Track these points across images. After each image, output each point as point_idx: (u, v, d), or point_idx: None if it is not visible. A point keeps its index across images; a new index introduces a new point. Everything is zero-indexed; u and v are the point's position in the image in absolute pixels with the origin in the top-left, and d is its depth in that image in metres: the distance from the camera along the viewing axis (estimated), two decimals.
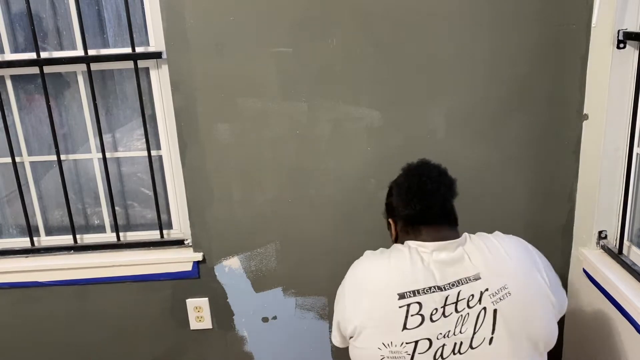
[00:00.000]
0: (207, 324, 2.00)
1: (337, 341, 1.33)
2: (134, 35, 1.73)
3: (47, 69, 1.78)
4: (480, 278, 1.16)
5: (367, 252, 1.32)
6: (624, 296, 1.51)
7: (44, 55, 1.77)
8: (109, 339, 2.02)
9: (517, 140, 1.77)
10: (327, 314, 1.97)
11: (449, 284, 1.15)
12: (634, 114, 1.55)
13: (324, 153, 1.79)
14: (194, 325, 2.01)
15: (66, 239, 1.99)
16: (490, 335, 1.12)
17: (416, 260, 1.19)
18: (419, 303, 1.13)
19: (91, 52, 1.77)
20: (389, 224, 1.38)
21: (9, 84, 1.84)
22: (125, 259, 1.92)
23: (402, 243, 1.27)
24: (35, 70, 1.77)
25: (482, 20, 1.65)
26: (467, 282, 1.15)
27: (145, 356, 2.05)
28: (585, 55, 1.67)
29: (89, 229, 2.03)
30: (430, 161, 1.32)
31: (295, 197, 1.84)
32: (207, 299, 1.97)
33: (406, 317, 1.13)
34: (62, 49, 1.82)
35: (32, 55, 1.76)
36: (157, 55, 1.75)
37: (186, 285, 1.96)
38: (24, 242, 1.98)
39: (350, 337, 1.22)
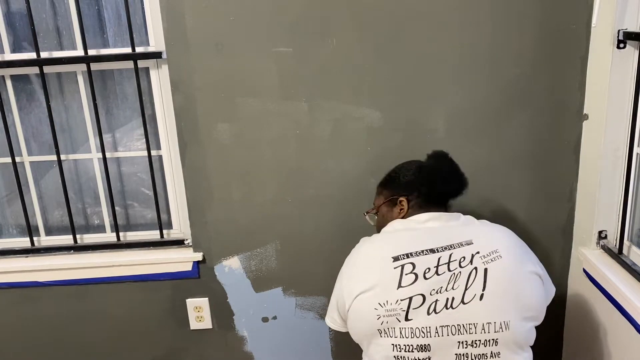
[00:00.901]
0: (207, 324, 2.00)
1: (333, 321, 1.39)
2: (134, 35, 1.73)
3: (47, 69, 1.78)
4: (472, 243, 1.24)
5: (363, 238, 1.43)
6: (624, 296, 1.51)
7: (44, 55, 1.77)
8: (108, 339, 2.02)
9: (517, 140, 1.77)
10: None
11: (441, 247, 1.23)
12: (634, 114, 1.55)
13: (324, 153, 1.79)
14: (194, 325, 2.01)
15: (66, 239, 1.99)
16: (481, 292, 1.17)
17: (410, 229, 1.32)
18: (412, 263, 1.21)
19: (91, 52, 1.77)
20: (390, 204, 1.43)
21: (9, 84, 1.84)
22: (125, 259, 1.92)
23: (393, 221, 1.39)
24: (35, 70, 1.77)
25: (482, 20, 1.65)
26: (460, 247, 1.23)
27: (145, 356, 2.05)
28: (585, 55, 1.67)
29: (89, 229, 2.03)
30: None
31: (295, 197, 1.84)
32: (207, 299, 1.97)
33: (400, 275, 1.20)
34: (62, 49, 1.82)
35: (32, 55, 1.76)
36: (157, 55, 1.75)
37: (186, 285, 1.96)
38: (24, 242, 1.98)
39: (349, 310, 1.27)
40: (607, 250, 1.69)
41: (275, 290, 1.96)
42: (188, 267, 1.93)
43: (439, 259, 1.20)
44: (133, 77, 1.79)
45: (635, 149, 1.58)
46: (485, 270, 1.19)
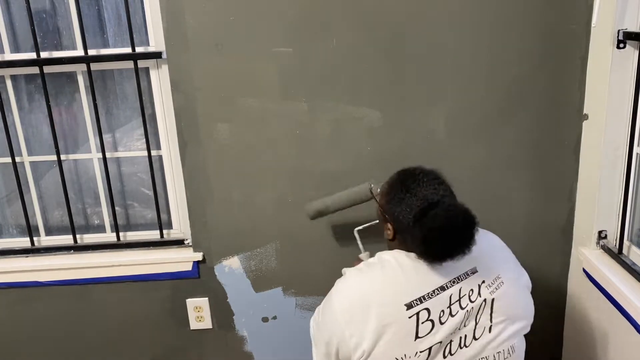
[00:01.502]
0: (207, 324, 2.00)
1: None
2: (134, 35, 1.73)
3: (47, 69, 1.78)
4: (476, 271, 1.18)
5: (349, 269, 1.28)
6: (624, 296, 1.51)
7: (44, 55, 1.77)
8: (109, 339, 2.02)
9: (517, 140, 1.77)
10: None
11: (450, 280, 1.15)
12: (633, 114, 1.55)
13: (324, 153, 1.79)
14: (194, 325, 2.01)
15: (66, 239, 1.99)
16: (490, 324, 1.16)
17: (408, 267, 1.17)
18: (427, 309, 1.13)
19: (91, 52, 1.77)
20: (382, 215, 1.28)
21: (9, 84, 1.84)
22: (125, 258, 1.92)
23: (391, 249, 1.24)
24: (35, 70, 1.77)
25: (483, 20, 1.66)
26: (466, 277, 1.17)
27: (145, 356, 2.05)
28: (585, 55, 1.67)
29: (89, 228, 2.03)
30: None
31: (295, 197, 1.84)
32: (207, 299, 1.97)
33: (417, 325, 1.12)
34: (62, 49, 1.82)
35: (32, 55, 1.76)
36: (157, 55, 1.75)
37: (186, 285, 1.96)
38: (24, 242, 1.98)
39: None
40: (607, 250, 1.69)
41: (275, 290, 1.96)
42: (188, 267, 1.93)
43: (450, 297, 1.14)
44: (133, 77, 1.79)
45: (635, 149, 1.59)
46: (492, 301, 1.17)
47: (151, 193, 1.94)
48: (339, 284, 1.23)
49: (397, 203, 1.20)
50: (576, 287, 1.86)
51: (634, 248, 1.63)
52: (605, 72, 1.58)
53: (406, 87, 1.72)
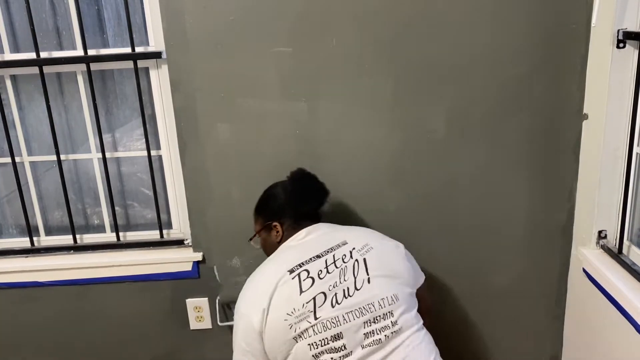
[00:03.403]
0: (207, 324, 2.00)
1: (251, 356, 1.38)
2: (134, 35, 1.73)
3: (47, 69, 1.78)
4: (347, 242, 1.45)
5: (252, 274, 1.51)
6: (624, 296, 1.51)
7: (43, 55, 1.77)
8: (109, 339, 2.02)
9: (517, 140, 1.77)
10: None
11: (324, 251, 1.42)
12: (633, 114, 1.55)
13: (324, 153, 1.79)
14: (194, 325, 2.01)
15: (66, 239, 1.99)
16: (367, 277, 1.38)
17: (293, 247, 1.48)
18: (306, 270, 1.37)
19: (91, 52, 1.77)
20: (266, 229, 1.57)
21: (9, 84, 1.84)
22: (125, 259, 1.92)
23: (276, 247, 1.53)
24: (35, 70, 1.77)
25: (482, 20, 1.65)
26: (338, 247, 1.44)
27: (145, 356, 2.05)
28: (585, 55, 1.67)
29: (89, 229, 2.03)
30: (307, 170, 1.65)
31: None
32: (207, 299, 1.97)
33: (299, 282, 1.35)
34: (62, 49, 1.82)
35: (32, 55, 1.76)
36: (157, 55, 1.75)
37: (186, 285, 1.96)
38: (24, 242, 1.98)
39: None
40: (606, 250, 1.69)
41: None
42: (188, 267, 1.93)
43: (325, 261, 1.40)
44: (133, 77, 1.79)
45: (635, 149, 1.58)
46: (364, 260, 1.41)
47: (151, 193, 1.94)
48: (240, 295, 1.46)
49: (266, 206, 1.61)
50: (576, 287, 1.86)
51: (633, 248, 1.63)
52: (605, 72, 1.58)
53: (406, 87, 1.72)
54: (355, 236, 1.49)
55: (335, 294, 1.35)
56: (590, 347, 1.76)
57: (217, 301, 1.76)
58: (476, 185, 1.81)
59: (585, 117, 1.72)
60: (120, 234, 1.97)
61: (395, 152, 1.78)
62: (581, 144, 1.75)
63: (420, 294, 1.49)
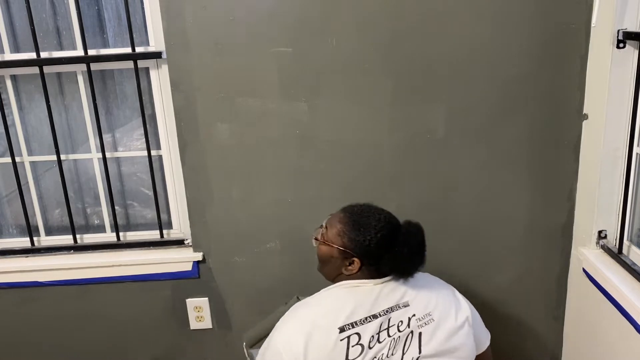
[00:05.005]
0: (207, 324, 2.00)
1: None
2: (134, 35, 1.73)
3: (47, 69, 1.78)
4: (408, 305, 1.27)
5: (298, 303, 1.34)
6: (624, 296, 1.51)
7: (43, 55, 1.77)
8: (108, 339, 2.03)
9: (516, 140, 1.77)
10: None
11: (382, 310, 1.25)
12: (633, 114, 1.55)
13: (324, 153, 1.79)
14: (194, 325, 2.01)
15: (66, 239, 1.99)
16: (417, 355, 1.24)
17: (355, 292, 1.27)
18: (358, 334, 1.21)
19: (91, 52, 1.77)
20: (343, 255, 1.30)
21: (9, 84, 1.84)
22: (125, 258, 1.92)
23: (337, 281, 1.32)
24: (35, 70, 1.77)
25: (482, 20, 1.65)
26: (398, 309, 1.26)
27: (145, 356, 2.05)
28: (585, 55, 1.67)
29: (89, 228, 2.03)
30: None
31: (295, 197, 1.84)
32: (207, 299, 1.97)
33: (347, 348, 1.20)
34: (62, 49, 1.82)
35: (32, 55, 1.76)
36: (157, 55, 1.75)
37: (186, 285, 1.96)
38: (24, 242, 1.98)
39: None
40: (607, 250, 1.69)
41: (275, 290, 1.95)
42: (188, 267, 1.93)
43: (380, 325, 1.23)
44: (133, 77, 1.79)
45: (635, 149, 1.59)
46: (420, 334, 1.25)
47: (151, 193, 1.94)
48: (279, 325, 1.28)
49: (361, 238, 1.27)
50: (576, 287, 1.86)
51: (633, 248, 1.63)
52: (605, 71, 1.58)
53: (406, 87, 1.72)
54: (421, 297, 1.29)
55: None
56: (590, 347, 1.76)
57: (243, 346, 1.69)
58: (476, 185, 1.81)
59: (585, 117, 1.72)
60: (121, 233, 1.97)
61: (395, 152, 1.78)
62: (581, 144, 1.75)
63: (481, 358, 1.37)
